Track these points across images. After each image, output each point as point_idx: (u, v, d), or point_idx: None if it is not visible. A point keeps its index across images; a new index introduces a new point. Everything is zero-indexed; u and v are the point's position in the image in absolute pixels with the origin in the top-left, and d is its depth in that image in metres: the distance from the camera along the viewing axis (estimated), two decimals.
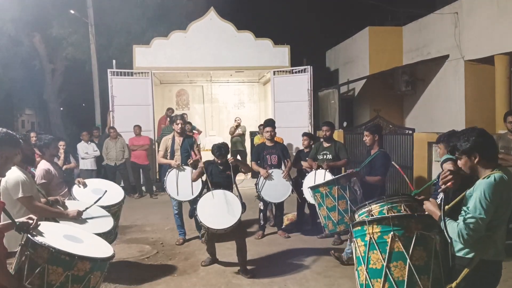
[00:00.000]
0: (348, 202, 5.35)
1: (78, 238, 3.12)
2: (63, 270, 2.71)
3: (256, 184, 6.66)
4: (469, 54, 10.39)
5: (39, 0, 15.09)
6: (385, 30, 13.96)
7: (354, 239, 3.22)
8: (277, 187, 6.65)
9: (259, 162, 6.94)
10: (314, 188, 5.67)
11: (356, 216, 3.95)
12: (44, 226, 2.93)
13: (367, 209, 3.74)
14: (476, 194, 2.63)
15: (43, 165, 4.83)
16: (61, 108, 20.52)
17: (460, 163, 2.85)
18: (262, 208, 6.92)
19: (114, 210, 4.84)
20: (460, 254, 2.78)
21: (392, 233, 2.97)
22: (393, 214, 3.14)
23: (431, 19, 11.89)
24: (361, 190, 5.39)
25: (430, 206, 2.92)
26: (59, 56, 18.10)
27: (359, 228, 3.16)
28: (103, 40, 16.45)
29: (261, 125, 11.33)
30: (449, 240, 2.75)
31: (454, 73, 10.89)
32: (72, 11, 15.79)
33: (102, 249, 3.15)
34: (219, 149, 5.61)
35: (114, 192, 5.16)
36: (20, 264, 2.72)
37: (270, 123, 7.11)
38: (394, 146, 8.85)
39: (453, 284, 2.76)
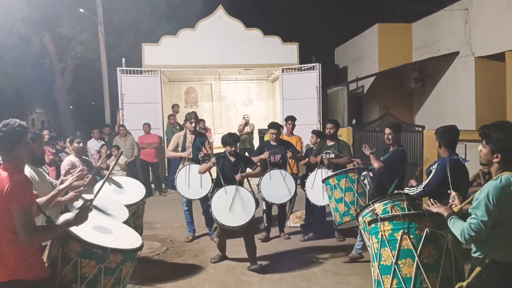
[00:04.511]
0: (356, 194, 5.34)
1: (107, 228, 3.14)
2: (96, 263, 2.76)
3: (258, 185, 6.37)
4: (479, 50, 10.28)
5: None
6: (394, 27, 13.83)
7: (370, 236, 3.25)
8: (278, 188, 6.39)
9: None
10: (325, 180, 5.71)
11: (360, 218, 3.93)
12: None
13: (371, 208, 3.74)
14: (482, 195, 2.60)
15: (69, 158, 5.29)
16: (71, 107, 20.67)
17: (481, 148, 2.77)
18: (265, 208, 6.76)
19: (133, 209, 4.87)
20: (475, 255, 2.73)
21: (402, 230, 2.98)
22: (405, 212, 3.16)
23: (440, 16, 11.78)
24: (372, 186, 5.37)
25: (437, 207, 2.91)
26: (69, 55, 18.21)
27: (374, 225, 3.19)
28: (112, 39, 16.53)
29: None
30: (463, 241, 2.71)
31: (464, 70, 10.78)
32: (81, 10, 15.90)
33: (131, 239, 3.17)
34: (230, 136, 5.70)
35: (135, 190, 5.25)
36: (53, 257, 2.76)
37: (274, 125, 6.98)
38: (404, 143, 8.79)
39: (464, 284, 2.72)
